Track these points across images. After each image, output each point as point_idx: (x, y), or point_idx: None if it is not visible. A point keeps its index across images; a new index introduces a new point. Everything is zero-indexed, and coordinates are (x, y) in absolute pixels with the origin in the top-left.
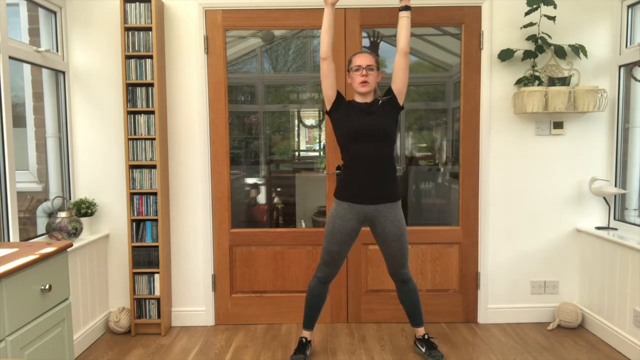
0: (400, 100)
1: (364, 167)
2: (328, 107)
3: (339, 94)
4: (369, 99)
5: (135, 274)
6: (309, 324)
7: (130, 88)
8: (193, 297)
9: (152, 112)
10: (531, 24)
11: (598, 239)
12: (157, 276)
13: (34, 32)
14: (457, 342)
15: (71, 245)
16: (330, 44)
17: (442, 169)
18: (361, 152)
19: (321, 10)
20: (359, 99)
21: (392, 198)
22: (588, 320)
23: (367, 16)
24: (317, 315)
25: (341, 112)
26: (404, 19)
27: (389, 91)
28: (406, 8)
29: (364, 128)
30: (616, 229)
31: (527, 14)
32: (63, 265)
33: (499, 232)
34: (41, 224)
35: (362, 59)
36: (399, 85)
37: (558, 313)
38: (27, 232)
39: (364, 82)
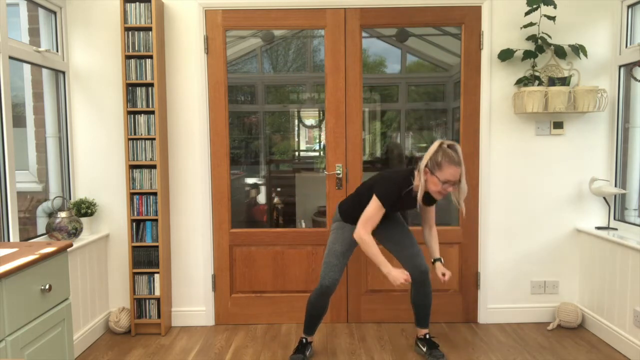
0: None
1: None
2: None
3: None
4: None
5: (135, 274)
6: (309, 331)
7: (130, 88)
8: (193, 297)
9: (152, 112)
10: (531, 24)
11: (598, 239)
12: (157, 276)
13: (34, 32)
14: (457, 342)
15: (71, 245)
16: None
17: None
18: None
19: (321, 10)
20: (416, 190)
21: None
22: (588, 320)
23: (367, 16)
24: (317, 323)
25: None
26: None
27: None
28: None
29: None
30: (616, 229)
31: (527, 14)
32: (63, 265)
33: (499, 232)
34: (41, 224)
35: (456, 173)
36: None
37: (558, 313)
38: (27, 232)
39: (442, 195)
